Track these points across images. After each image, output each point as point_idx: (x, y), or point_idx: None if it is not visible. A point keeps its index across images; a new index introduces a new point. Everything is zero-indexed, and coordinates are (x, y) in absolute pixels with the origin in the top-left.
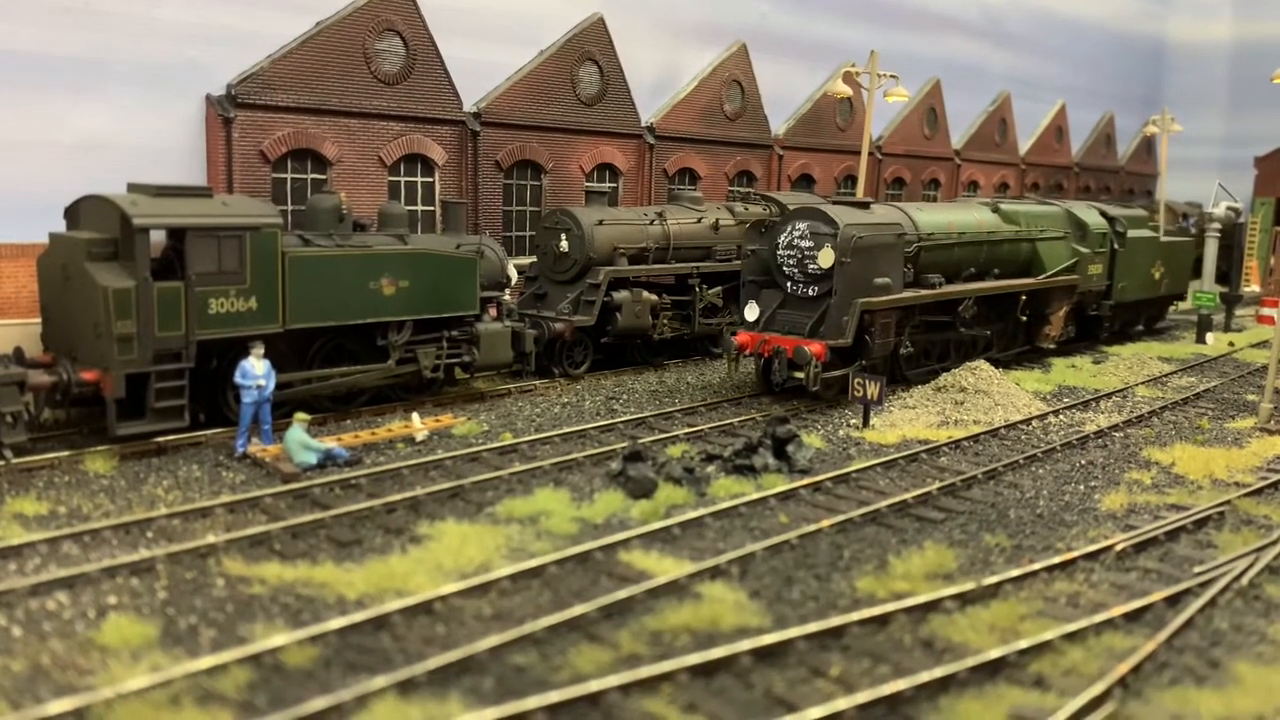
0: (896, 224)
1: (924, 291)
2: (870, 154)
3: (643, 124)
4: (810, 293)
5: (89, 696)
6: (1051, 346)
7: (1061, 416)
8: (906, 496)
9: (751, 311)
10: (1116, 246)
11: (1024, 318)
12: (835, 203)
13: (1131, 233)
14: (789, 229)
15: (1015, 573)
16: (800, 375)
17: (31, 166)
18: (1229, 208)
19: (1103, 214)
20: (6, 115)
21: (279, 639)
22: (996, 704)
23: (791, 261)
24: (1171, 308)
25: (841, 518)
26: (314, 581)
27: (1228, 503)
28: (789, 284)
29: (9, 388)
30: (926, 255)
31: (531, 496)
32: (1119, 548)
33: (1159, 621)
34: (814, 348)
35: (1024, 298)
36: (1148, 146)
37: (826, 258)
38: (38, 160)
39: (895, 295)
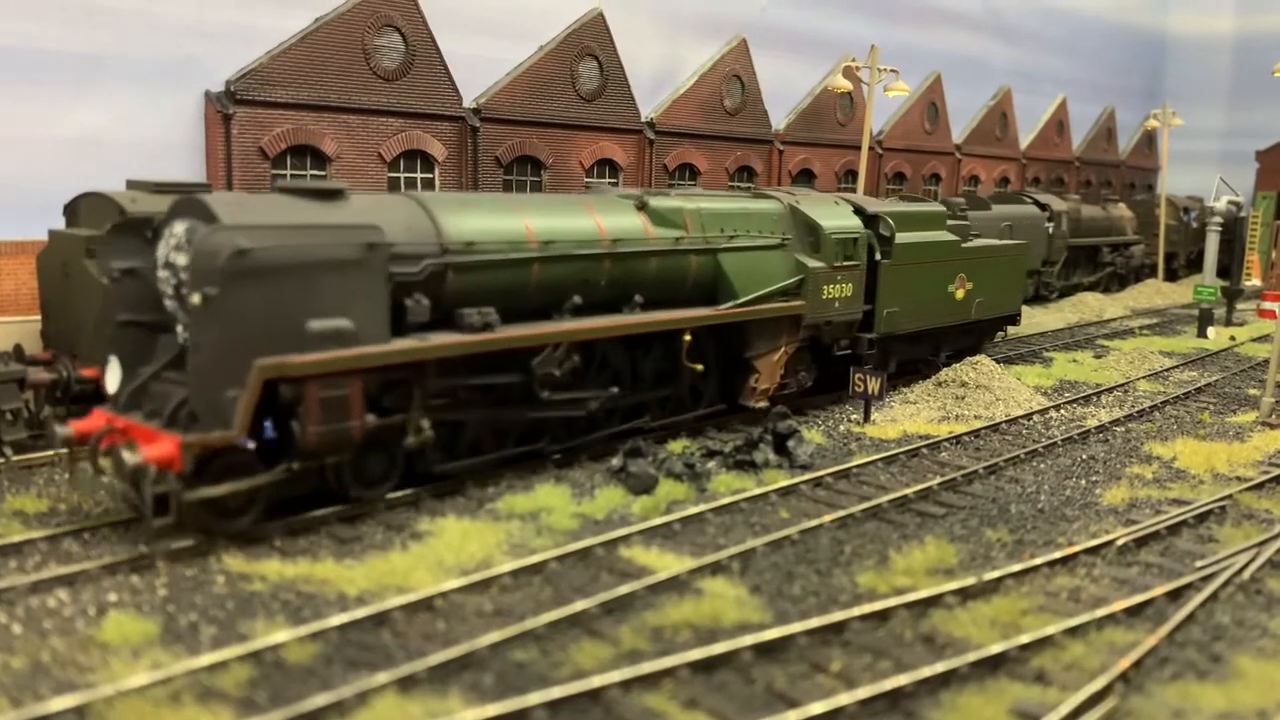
0: (369, 228)
1: (443, 339)
2: (871, 149)
3: (643, 119)
4: None
5: (89, 694)
6: (762, 405)
7: (1063, 411)
8: (907, 491)
9: (112, 376)
10: (879, 257)
11: (699, 367)
12: (288, 190)
13: (905, 236)
14: (166, 234)
15: (1016, 567)
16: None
17: (31, 163)
18: (1230, 202)
19: (858, 211)
20: (5, 111)
21: (280, 636)
22: (998, 699)
23: (171, 290)
24: (1000, 334)
25: (842, 513)
26: (314, 578)
27: (1229, 497)
28: (180, 328)
29: (9, 385)
30: (464, 279)
31: (532, 492)
32: (1120, 542)
33: (1160, 616)
34: (156, 449)
35: (688, 337)
36: (1149, 140)
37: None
38: (37, 157)
39: (358, 349)
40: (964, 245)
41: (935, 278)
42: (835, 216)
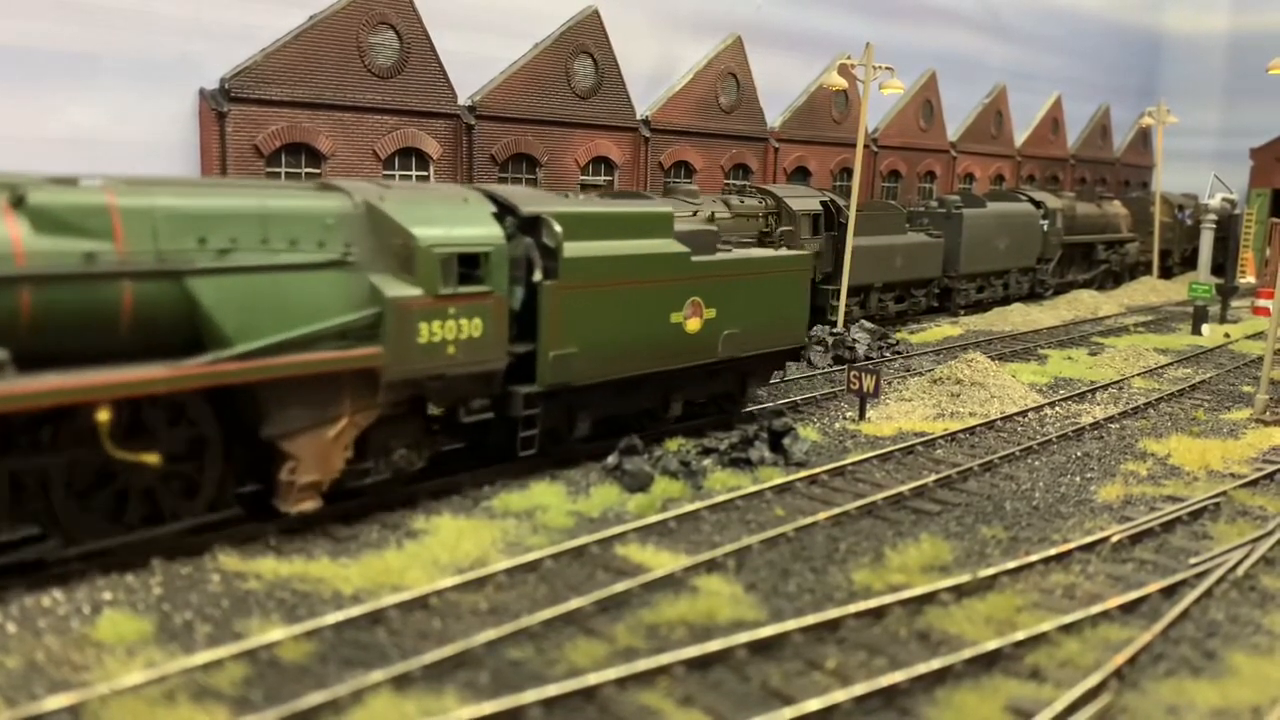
0: None
1: None
2: (866, 146)
3: (638, 117)
4: None
5: (84, 693)
6: (308, 508)
7: (1057, 408)
8: (903, 489)
9: None
10: (540, 276)
11: (152, 459)
12: None
13: (582, 247)
14: None
15: (1011, 565)
16: None
17: (23, 160)
18: (1225, 199)
19: (504, 210)
20: None
21: (275, 634)
22: (993, 696)
23: None
24: (778, 373)
25: (838, 510)
26: (309, 576)
27: (1223, 494)
28: None
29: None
30: None
31: (527, 490)
32: (1115, 539)
33: (1155, 613)
34: None
35: (103, 415)
36: (1144, 138)
37: None
38: (30, 154)
39: None
40: (698, 259)
41: (646, 304)
42: (447, 220)
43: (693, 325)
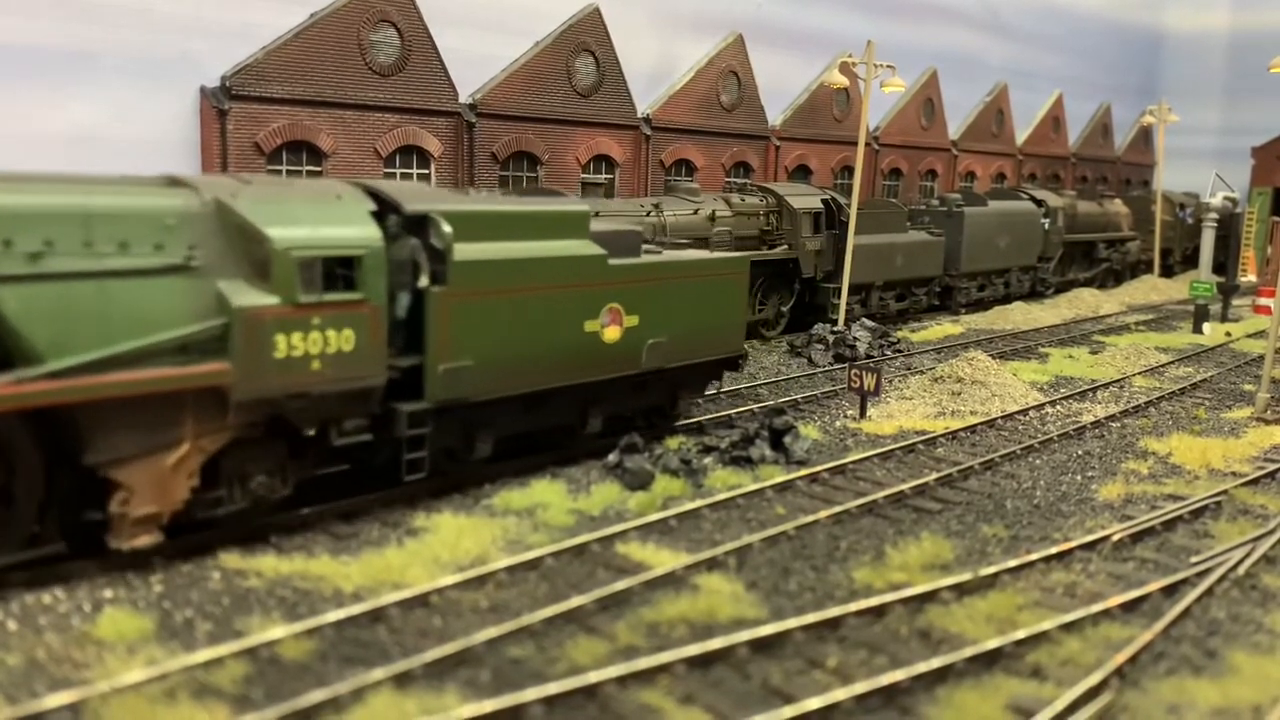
0: None
1: None
2: (867, 145)
3: (639, 115)
4: None
5: (85, 691)
6: (144, 544)
7: (1058, 407)
8: (903, 487)
9: None
10: (426, 282)
11: None
12: None
13: (477, 249)
14: None
15: (1012, 563)
16: None
17: (23, 158)
18: (1226, 198)
19: (385, 208)
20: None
21: (275, 632)
22: (994, 694)
23: None
24: (714, 384)
25: (839, 509)
26: (310, 574)
27: (1224, 492)
28: None
29: None
30: None
31: (528, 488)
32: (1116, 538)
33: (1156, 611)
34: None
35: None
36: (1145, 137)
37: None
38: (30, 151)
39: None
40: (617, 263)
41: (555, 311)
42: (312, 219)
43: (611, 334)
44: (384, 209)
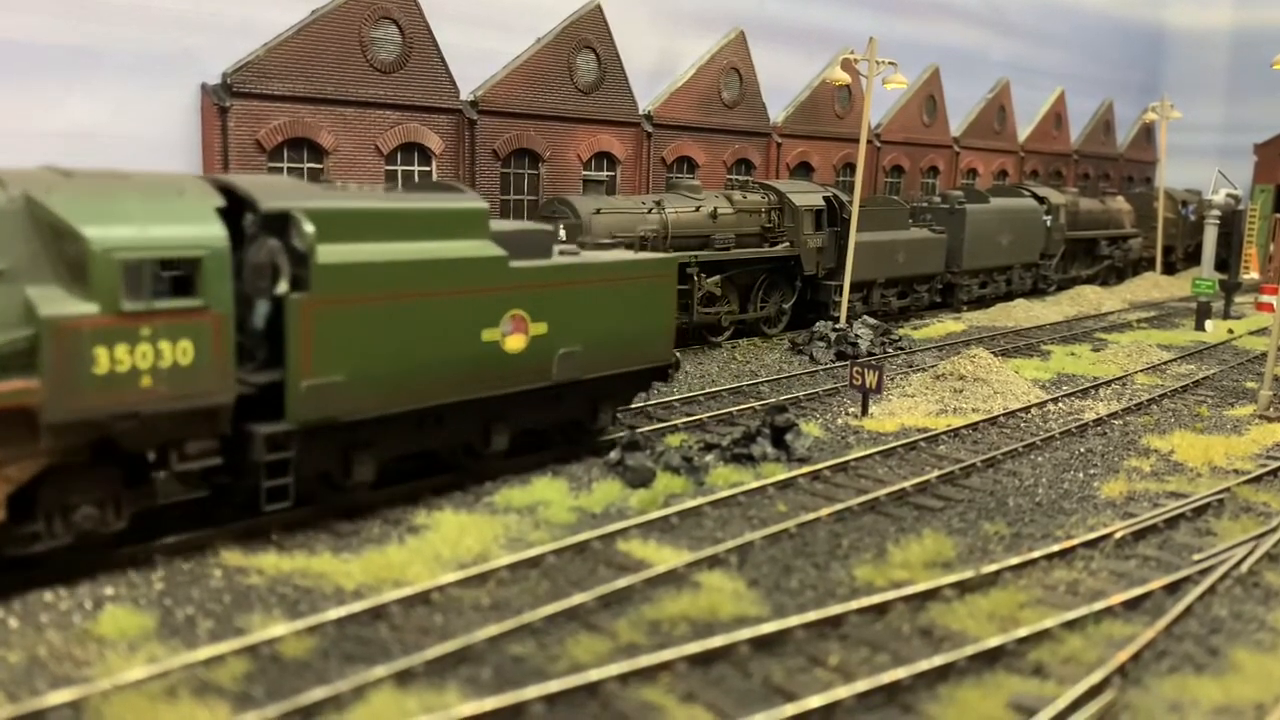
0: None
1: None
2: (869, 141)
3: (640, 112)
4: None
5: (86, 688)
6: None
7: (1061, 404)
8: (905, 485)
9: None
10: (285, 288)
11: None
12: None
13: (347, 251)
14: None
15: (1014, 561)
16: None
17: (23, 155)
18: (1228, 195)
19: (236, 205)
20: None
21: (276, 630)
22: (995, 692)
23: None
24: (640, 394)
25: (840, 506)
26: (311, 572)
27: (1227, 490)
28: None
29: None
30: None
31: (529, 486)
32: (1118, 535)
33: (1158, 609)
34: None
35: None
36: (1147, 134)
37: None
38: (30, 148)
39: None
40: (520, 265)
41: (445, 320)
42: (142, 217)
43: (514, 344)
44: (239, 206)
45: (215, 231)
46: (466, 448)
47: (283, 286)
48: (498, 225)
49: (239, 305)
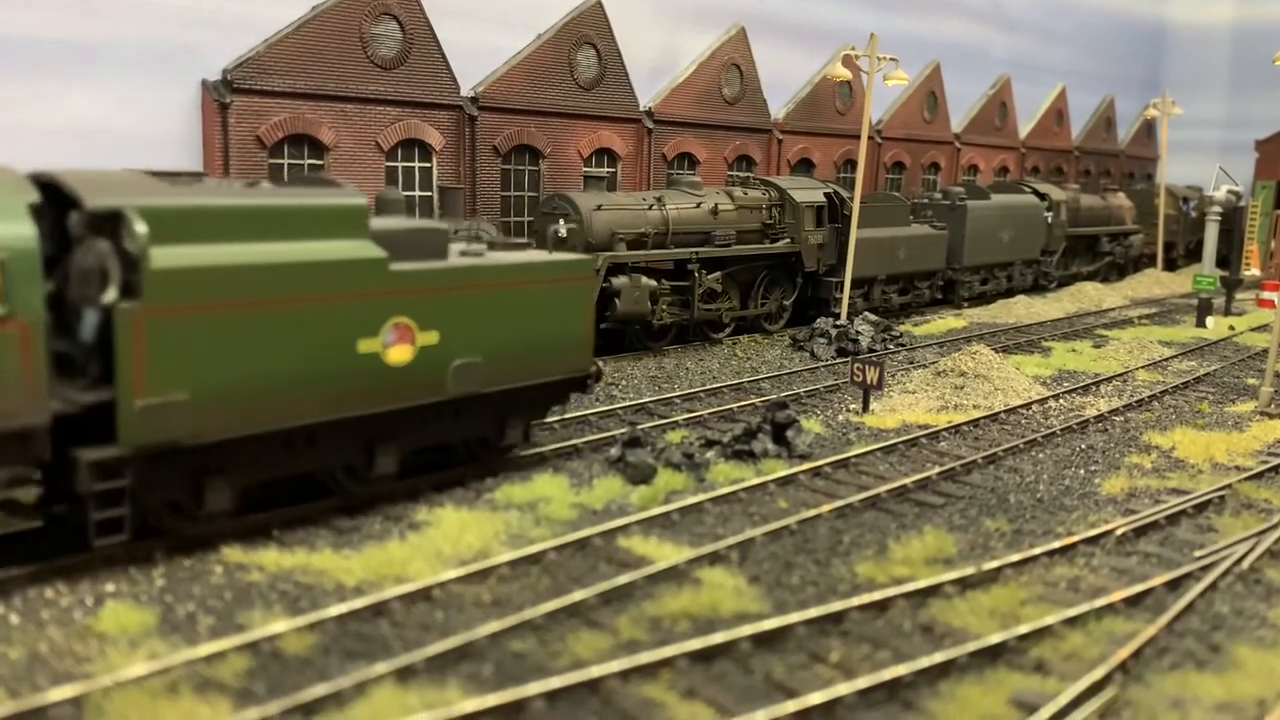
0: None
1: None
2: (870, 138)
3: (641, 108)
4: None
5: (87, 684)
6: None
7: (1062, 401)
8: (906, 481)
9: None
10: (113, 296)
11: None
12: None
13: (188, 253)
14: None
15: (1015, 557)
16: None
17: (23, 151)
18: (1230, 191)
19: (63, 199)
20: None
21: (277, 626)
22: (997, 689)
23: None
24: (556, 409)
25: (841, 503)
26: (312, 568)
27: (1228, 486)
28: None
29: None
30: None
31: (530, 483)
32: (1119, 532)
33: (1159, 606)
34: None
35: None
36: (1148, 130)
37: None
38: (29, 145)
39: None
40: (403, 268)
41: (310, 329)
42: None
43: (399, 355)
44: (65, 203)
45: (21, 230)
46: (348, 470)
47: (111, 294)
48: (382, 224)
49: (66, 315)
